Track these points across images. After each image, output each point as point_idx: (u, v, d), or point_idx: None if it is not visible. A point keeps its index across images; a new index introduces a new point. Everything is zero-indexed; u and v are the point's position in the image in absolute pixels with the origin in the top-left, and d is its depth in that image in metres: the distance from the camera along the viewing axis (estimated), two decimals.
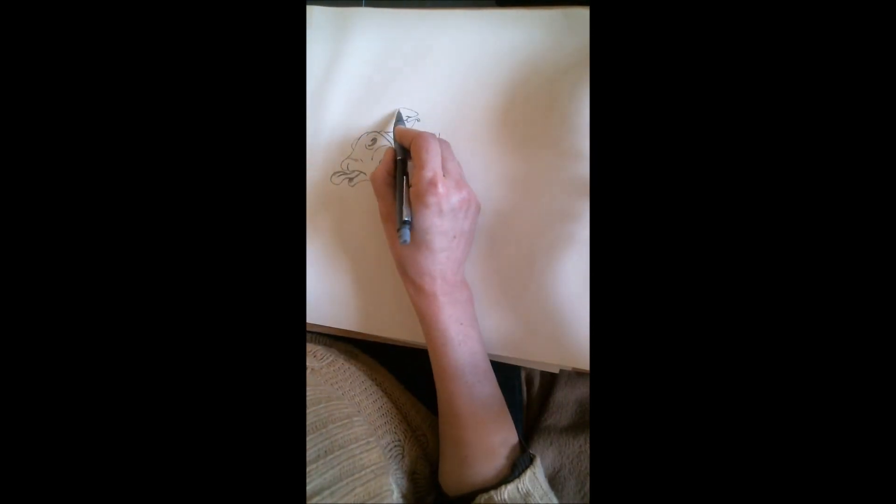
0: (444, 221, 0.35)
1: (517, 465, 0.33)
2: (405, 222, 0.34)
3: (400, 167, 0.37)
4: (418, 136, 0.35)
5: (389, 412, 0.40)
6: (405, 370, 0.45)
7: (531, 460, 0.34)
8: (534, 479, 0.33)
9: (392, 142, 0.43)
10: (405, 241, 0.33)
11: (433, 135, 0.36)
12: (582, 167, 0.38)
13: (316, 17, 0.45)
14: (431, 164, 0.34)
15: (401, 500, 0.33)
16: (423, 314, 0.36)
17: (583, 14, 0.40)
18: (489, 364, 0.37)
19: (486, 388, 0.36)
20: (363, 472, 0.30)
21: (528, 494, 0.32)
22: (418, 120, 0.42)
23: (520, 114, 0.40)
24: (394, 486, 0.31)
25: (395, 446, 0.37)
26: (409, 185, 0.36)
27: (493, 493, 0.32)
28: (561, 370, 0.39)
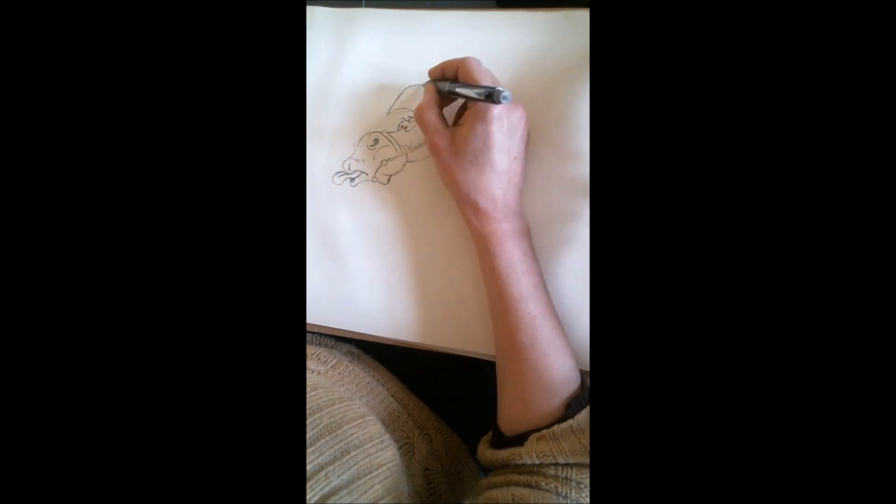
0: (505, 139, 0.34)
1: (572, 405, 0.32)
2: (498, 87, 0.32)
3: (457, 85, 0.36)
4: (465, 62, 0.35)
5: (396, 411, 0.40)
6: (406, 371, 0.45)
7: (589, 400, 0.33)
8: (588, 419, 0.32)
9: (392, 141, 0.43)
10: (507, 99, 0.31)
11: (475, 58, 0.35)
12: (582, 168, 0.38)
13: (316, 17, 0.45)
14: (487, 81, 0.34)
15: (416, 499, 0.33)
16: (488, 241, 0.35)
17: (583, 15, 0.40)
18: (550, 298, 0.36)
19: (550, 320, 0.34)
20: (380, 470, 0.31)
21: (581, 433, 0.31)
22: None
23: None
24: (408, 484, 0.32)
25: (406, 444, 0.37)
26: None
27: (545, 432, 0.31)
28: None
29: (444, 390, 0.45)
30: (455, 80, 0.36)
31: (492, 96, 0.31)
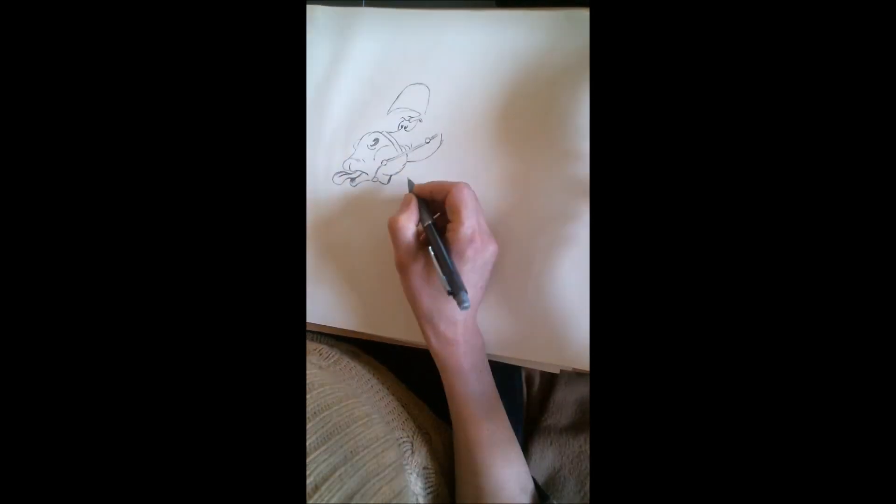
0: (475, 274, 0.35)
1: None
2: (464, 289, 0.33)
3: (433, 231, 0.36)
4: (456, 191, 0.35)
5: (396, 410, 0.40)
6: (406, 370, 0.45)
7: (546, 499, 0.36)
8: None
9: (392, 141, 0.43)
10: (467, 307, 0.33)
11: (468, 185, 0.36)
12: (581, 168, 0.38)
13: (316, 17, 0.45)
14: (471, 221, 0.34)
15: (415, 497, 0.33)
16: (447, 363, 0.37)
17: (583, 15, 0.40)
18: (497, 395, 0.38)
19: (503, 431, 0.37)
20: (386, 471, 0.31)
21: None
22: (420, 120, 0.42)
23: (520, 114, 0.40)
24: (409, 484, 0.32)
25: (405, 442, 0.37)
26: (447, 246, 0.35)
27: None
28: (561, 370, 0.39)
29: (444, 390, 0.45)
30: (442, 204, 0.36)
31: (456, 296, 0.33)
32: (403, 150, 0.42)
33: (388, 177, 0.42)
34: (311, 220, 0.43)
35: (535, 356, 0.39)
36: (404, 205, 0.37)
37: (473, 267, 0.35)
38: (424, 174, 0.42)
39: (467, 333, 0.37)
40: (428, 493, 0.36)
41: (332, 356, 0.41)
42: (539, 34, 0.41)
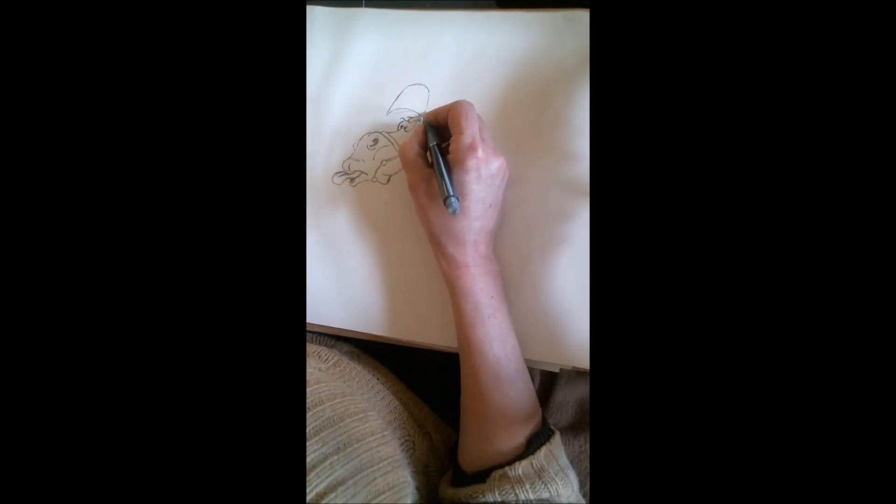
0: (481, 188, 0.35)
1: (532, 442, 0.33)
2: (452, 194, 0.33)
3: (437, 149, 0.37)
4: (455, 105, 0.35)
5: (397, 409, 0.40)
6: (407, 370, 0.45)
7: (549, 436, 0.34)
8: (549, 456, 0.33)
9: (392, 141, 0.43)
10: (455, 211, 0.33)
11: (470, 102, 0.36)
12: (580, 168, 0.38)
13: (316, 17, 0.45)
14: (471, 130, 0.34)
15: (417, 495, 0.33)
16: (455, 285, 0.36)
17: (583, 16, 0.40)
18: (516, 340, 0.36)
19: (513, 363, 0.35)
20: (382, 464, 0.31)
21: (541, 470, 0.32)
22: (419, 121, 0.42)
23: (518, 115, 0.41)
24: (410, 478, 0.32)
25: (406, 441, 0.37)
26: (446, 159, 0.35)
27: (507, 468, 0.32)
28: (561, 370, 0.39)
29: (444, 389, 0.45)
30: (446, 127, 0.36)
31: (445, 200, 0.33)
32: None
33: (387, 177, 0.42)
34: (311, 220, 0.43)
35: (535, 355, 0.39)
36: (414, 131, 0.38)
37: (478, 178, 0.34)
38: None
39: (478, 257, 0.36)
40: (429, 492, 0.36)
41: (332, 358, 0.41)
42: (538, 35, 0.41)
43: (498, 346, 0.35)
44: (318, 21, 0.45)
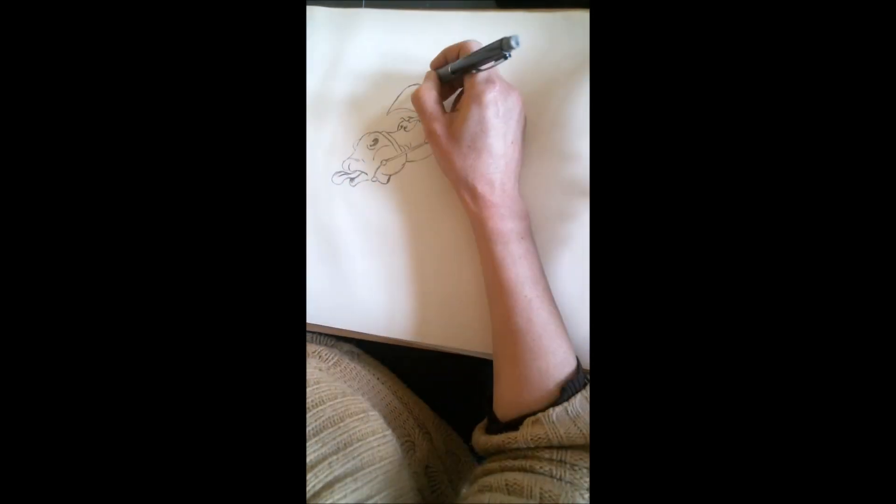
0: (501, 122, 0.34)
1: (567, 388, 0.32)
2: (507, 37, 0.31)
3: (456, 65, 0.36)
4: (464, 43, 0.35)
5: (397, 409, 0.40)
6: (407, 370, 0.45)
7: (585, 384, 0.33)
8: (584, 402, 0.32)
9: (392, 141, 0.43)
10: (518, 44, 0.31)
11: (477, 41, 0.35)
12: (580, 168, 0.38)
13: (316, 17, 0.45)
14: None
15: (419, 494, 0.33)
16: (482, 225, 0.35)
17: (582, 16, 0.40)
18: (546, 281, 0.36)
19: (546, 304, 0.34)
20: (382, 464, 0.31)
21: (577, 417, 0.31)
22: (419, 120, 0.42)
23: None
24: (410, 480, 0.32)
25: (407, 441, 0.37)
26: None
27: (540, 416, 0.31)
28: None
29: (444, 389, 0.45)
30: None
31: (502, 45, 0.31)
32: (403, 150, 0.42)
33: (387, 177, 0.42)
34: (311, 220, 0.43)
35: None
36: (425, 79, 0.37)
37: (496, 112, 0.34)
38: (424, 174, 0.42)
39: (505, 197, 0.35)
40: (431, 492, 0.36)
41: (332, 358, 0.41)
42: (538, 35, 0.41)
43: (530, 288, 0.34)
44: (318, 21, 0.45)
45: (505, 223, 0.35)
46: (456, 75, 0.36)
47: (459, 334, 0.40)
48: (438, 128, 0.36)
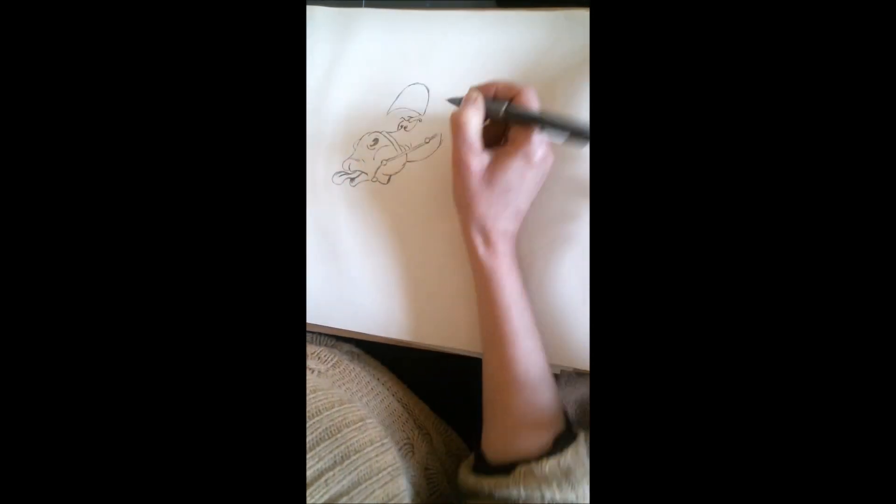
0: (534, 185, 0.35)
1: (559, 441, 0.33)
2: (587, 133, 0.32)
3: (516, 109, 0.34)
4: (527, 92, 0.34)
5: (396, 411, 0.40)
6: (408, 371, 0.45)
7: (575, 437, 0.34)
8: (576, 457, 0.32)
9: (392, 141, 0.43)
10: (587, 140, 0.32)
11: (535, 90, 0.35)
12: (580, 168, 0.38)
13: (316, 17, 0.45)
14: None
15: (416, 500, 0.33)
16: (492, 273, 0.35)
17: (583, 15, 0.40)
18: (536, 327, 0.36)
19: (542, 356, 0.35)
20: (380, 475, 0.30)
21: (568, 471, 0.31)
22: (419, 120, 0.42)
23: None
24: (409, 486, 0.31)
25: (406, 444, 0.37)
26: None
27: (533, 465, 0.32)
28: (561, 370, 0.39)
29: (444, 390, 0.45)
30: (510, 102, 0.35)
31: (579, 136, 0.31)
32: (403, 150, 0.42)
33: (387, 177, 0.42)
34: (311, 220, 0.43)
35: None
36: (469, 99, 0.35)
37: (540, 173, 0.34)
38: (424, 174, 0.42)
39: (512, 245, 0.36)
40: (430, 494, 0.36)
41: (331, 359, 0.41)
42: (538, 34, 0.41)
43: (529, 339, 0.35)
44: (318, 21, 0.45)
45: (512, 273, 0.35)
46: (509, 119, 0.35)
47: (460, 334, 0.40)
48: (475, 163, 0.34)
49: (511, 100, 0.34)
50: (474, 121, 0.34)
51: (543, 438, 0.33)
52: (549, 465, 0.31)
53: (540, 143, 0.34)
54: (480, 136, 0.35)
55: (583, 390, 0.47)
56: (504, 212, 0.35)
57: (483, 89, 0.35)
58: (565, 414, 0.35)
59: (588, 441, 0.34)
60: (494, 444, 0.35)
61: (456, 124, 0.34)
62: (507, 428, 0.35)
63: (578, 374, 0.46)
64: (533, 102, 0.34)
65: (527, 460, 0.32)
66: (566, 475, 0.31)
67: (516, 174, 0.34)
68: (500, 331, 0.35)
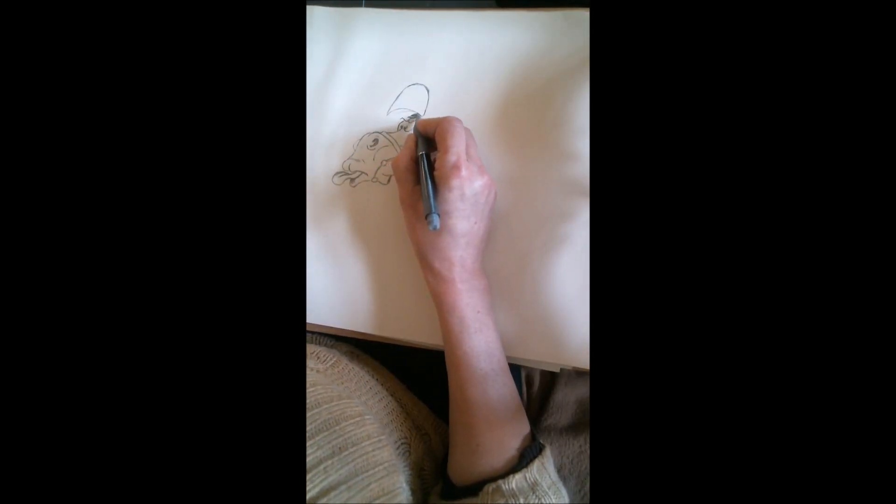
0: (465, 205, 0.35)
1: (525, 455, 0.33)
2: (434, 211, 0.34)
3: (424, 160, 0.37)
4: (444, 121, 0.35)
5: (395, 411, 0.40)
6: (406, 370, 0.45)
7: (540, 450, 0.34)
8: (542, 469, 0.33)
9: (392, 141, 0.43)
10: (435, 228, 0.33)
11: (459, 119, 0.36)
12: (580, 168, 0.38)
13: (316, 17, 0.45)
14: (456, 148, 0.34)
15: (412, 498, 0.33)
16: (441, 300, 0.36)
17: (583, 15, 0.40)
18: (504, 354, 0.37)
19: (500, 377, 0.36)
20: (376, 469, 0.31)
21: (535, 484, 0.32)
22: (410, 124, 0.42)
23: (518, 115, 0.41)
24: (405, 484, 0.32)
25: (402, 444, 0.37)
26: (431, 173, 0.36)
27: (500, 482, 0.32)
28: (561, 370, 0.39)
29: (444, 390, 0.45)
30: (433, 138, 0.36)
31: (427, 217, 0.34)
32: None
33: (387, 177, 0.42)
34: (311, 220, 0.43)
35: (535, 355, 0.39)
36: (405, 143, 0.38)
37: (462, 196, 0.34)
38: None
39: (464, 272, 0.36)
40: (424, 493, 0.36)
41: (330, 359, 0.41)
42: (538, 34, 0.41)
43: (485, 361, 0.35)
44: (318, 21, 0.45)
45: (461, 297, 0.36)
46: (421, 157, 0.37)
47: None
48: (407, 198, 0.37)
49: (430, 137, 0.37)
50: (401, 160, 0.37)
51: (507, 454, 0.34)
52: (515, 480, 0.32)
53: (451, 167, 0.34)
54: (410, 173, 0.37)
55: (583, 390, 0.47)
56: (438, 238, 0.35)
57: (421, 124, 0.38)
58: (531, 428, 0.36)
59: (561, 439, 0.35)
60: (459, 465, 0.36)
61: (393, 166, 0.38)
62: (469, 447, 0.35)
63: (578, 373, 0.46)
64: (444, 134, 0.35)
65: (493, 478, 0.33)
66: (533, 488, 0.32)
67: (451, 206, 0.34)
68: (454, 354, 0.36)
